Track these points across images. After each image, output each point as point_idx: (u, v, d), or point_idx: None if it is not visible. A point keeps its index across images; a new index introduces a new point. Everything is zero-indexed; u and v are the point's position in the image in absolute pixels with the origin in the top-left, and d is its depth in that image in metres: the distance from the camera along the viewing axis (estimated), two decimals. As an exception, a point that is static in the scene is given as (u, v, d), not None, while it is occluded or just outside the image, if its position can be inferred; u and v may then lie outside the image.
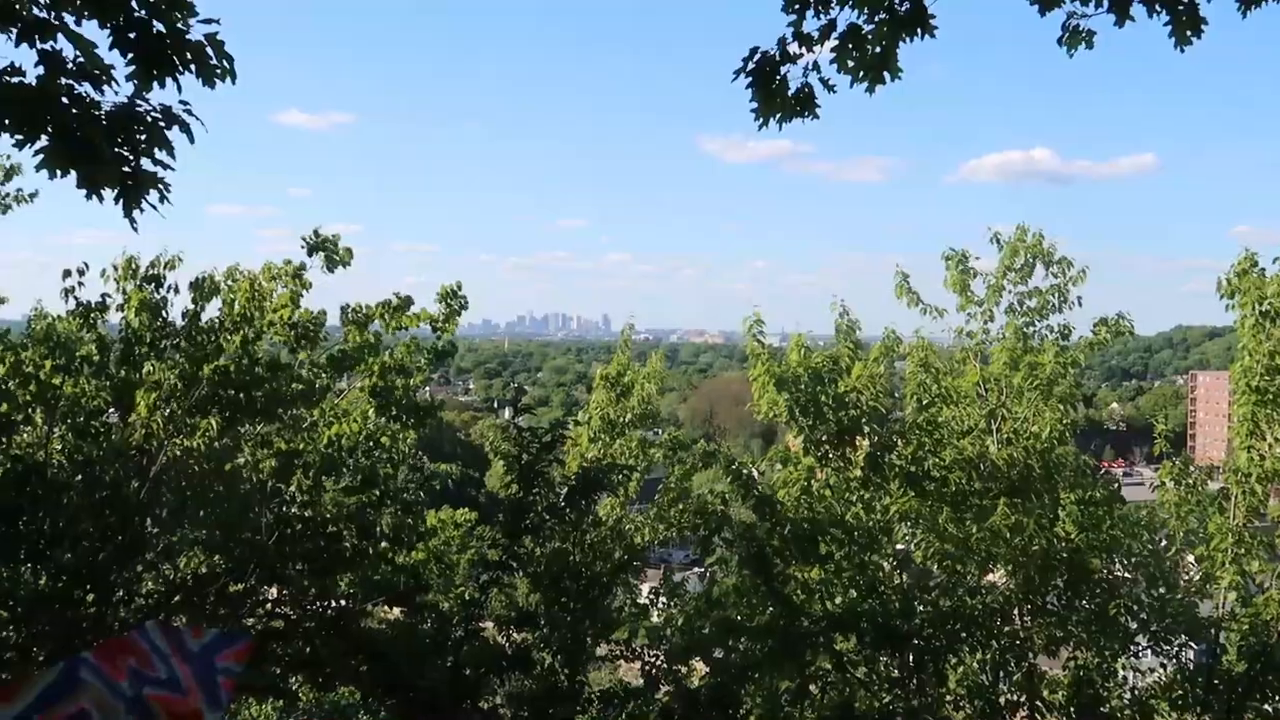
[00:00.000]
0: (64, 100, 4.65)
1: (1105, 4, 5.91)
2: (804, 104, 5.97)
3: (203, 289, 10.38)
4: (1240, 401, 11.20)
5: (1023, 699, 11.77)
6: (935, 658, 11.20)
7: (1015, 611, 11.81)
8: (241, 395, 10.10)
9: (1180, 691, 11.28)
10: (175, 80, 4.80)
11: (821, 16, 5.84)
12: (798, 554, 11.60)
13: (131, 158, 4.82)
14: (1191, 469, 12.12)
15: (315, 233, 11.09)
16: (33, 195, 14.78)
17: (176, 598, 9.80)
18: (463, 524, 15.64)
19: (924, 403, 12.77)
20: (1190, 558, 12.12)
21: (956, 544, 11.57)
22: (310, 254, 11.11)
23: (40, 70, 4.65)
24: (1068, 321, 13.10)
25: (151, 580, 9.96)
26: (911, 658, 11.39)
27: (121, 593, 9.54)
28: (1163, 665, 11.75)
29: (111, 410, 10.21)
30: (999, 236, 13.29)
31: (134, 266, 10.23)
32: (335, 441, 11.06)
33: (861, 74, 5.85)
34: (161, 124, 4.82)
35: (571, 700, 10.67)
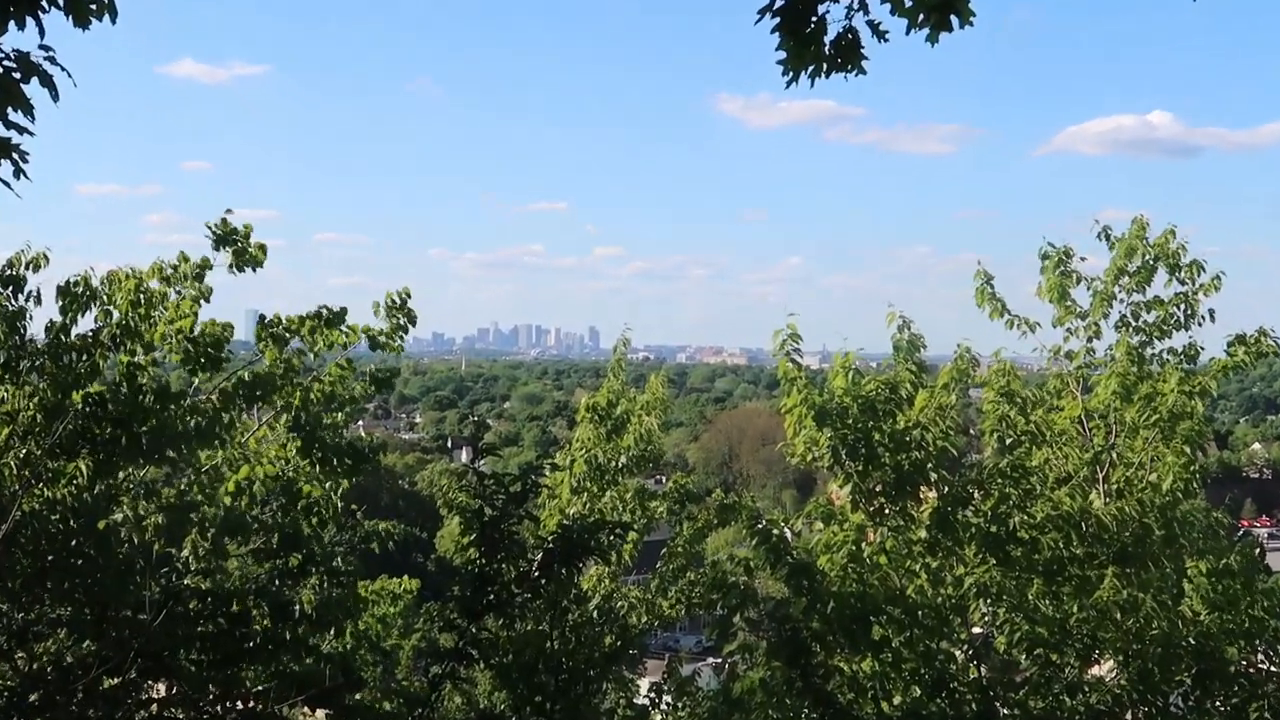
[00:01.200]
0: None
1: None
2: (847, 55, 5.88)
3: (74, 296, 10.45)
4: None
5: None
6: (1024, 775, 11.27)
7: (1128, 715, 11.77)
8: (120, 431, 10.08)
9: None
10: (36, 19, 4.79)
11: (871, -61, 5.81)
12: (844, 640, 11.58)
13: (-23, 120, 4.80)
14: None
15: (224, 221, 11.29)
16: None
17: (34, 695, 9.55)
18: (406, 598, 15.55)
19: (1008, 443, 12.80)
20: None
21: (1051, 627, 11.55)
22: (217, 248, 11.22)
23: None
24: (1194, 339, 13.26)
25: (1, 672, 9.78)
26: (993, 775, 11.47)
27: (-38, 689, 9.43)
28: (1320, 784, 11.70)
29: (-51, 450, 10.00)
30: (1108, 232, 13.32)
31: (-16, 264, 10.23)
32: (243, 491, 11.07)
33: (921, 17, 5.81)
34: (17, 76, 4.82)
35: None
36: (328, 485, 11.69)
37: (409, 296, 11.72)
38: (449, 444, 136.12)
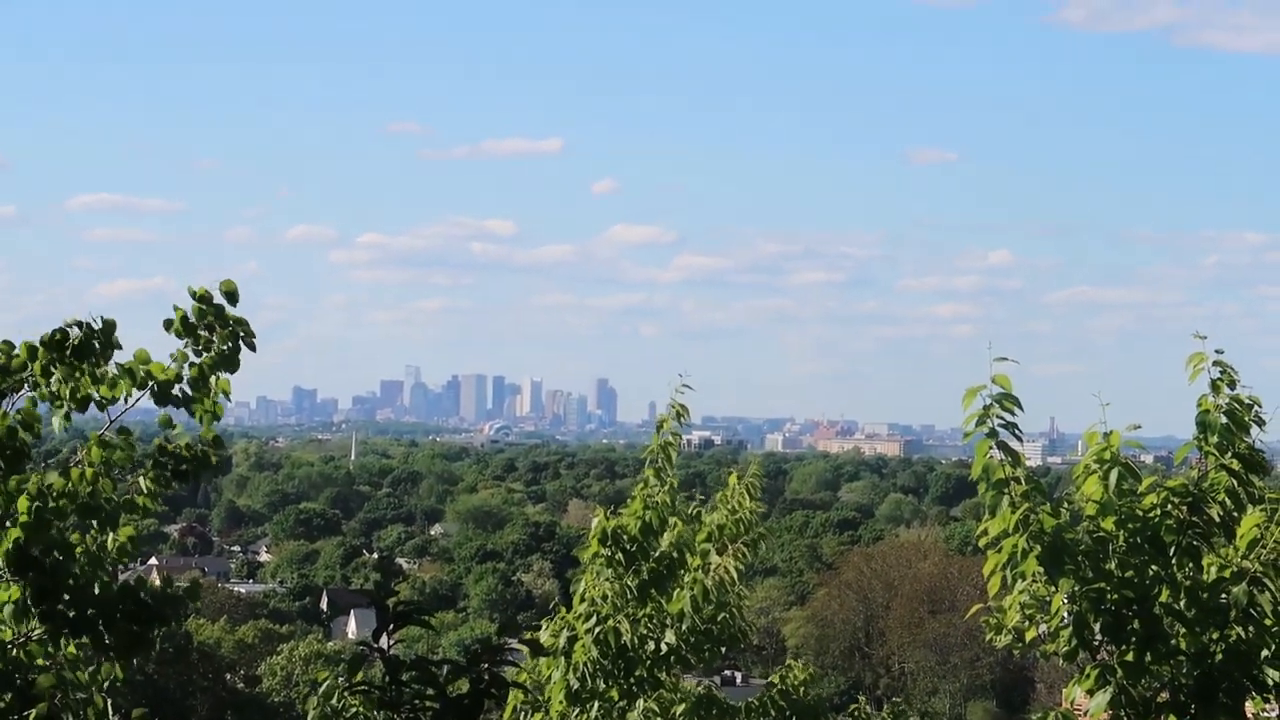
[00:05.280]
0: None
1: None
2: None
3: None
4: None
5: None
6: None
7: None
8: None
9: None
10: None
11: None
12: None
13: None
14: None
15: None
16: None
17: None
18: None
19: None
20: None
21: None
22: None
23: None
24: None
25: None
26: None
27: None
28: None
29: None
30: None
31: None
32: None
33: None
34: None
35: None
36: (88, 674, 9.07)
37: (235, 299, 8.40)
38: (325, 604, 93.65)
